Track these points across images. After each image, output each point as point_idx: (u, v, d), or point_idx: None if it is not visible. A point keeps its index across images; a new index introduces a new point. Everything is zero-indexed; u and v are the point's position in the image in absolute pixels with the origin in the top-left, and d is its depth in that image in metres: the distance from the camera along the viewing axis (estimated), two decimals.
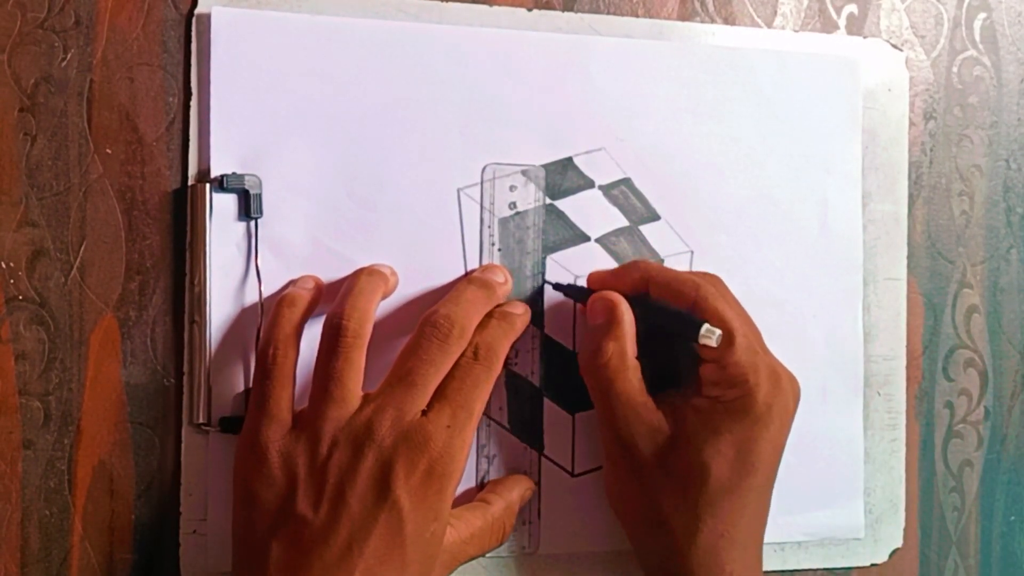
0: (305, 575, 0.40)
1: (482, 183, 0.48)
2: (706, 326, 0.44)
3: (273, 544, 0.41)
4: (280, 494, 0.41)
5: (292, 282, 0.46)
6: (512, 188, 0.48)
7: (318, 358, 0.43)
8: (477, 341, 0.44)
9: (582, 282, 0.49)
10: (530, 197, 0.48)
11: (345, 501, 0.40)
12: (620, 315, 0.46)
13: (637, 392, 0.45)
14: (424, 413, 0.42)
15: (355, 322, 0.42)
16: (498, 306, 0.46)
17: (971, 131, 0.56)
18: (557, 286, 0.49)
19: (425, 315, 0.44)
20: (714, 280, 0.48)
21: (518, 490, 0.48)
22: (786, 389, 0.45)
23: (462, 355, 0.43)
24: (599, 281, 0.49)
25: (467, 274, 0.48)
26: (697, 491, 0.44)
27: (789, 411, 0.46)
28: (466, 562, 0.45)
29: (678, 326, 0.45)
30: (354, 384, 0.42)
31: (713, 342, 0.44)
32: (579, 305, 0.49)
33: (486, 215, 0.48)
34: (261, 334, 0.44)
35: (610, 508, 0.48)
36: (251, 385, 0.44)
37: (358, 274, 0.45)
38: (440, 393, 0.43)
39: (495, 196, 0.48)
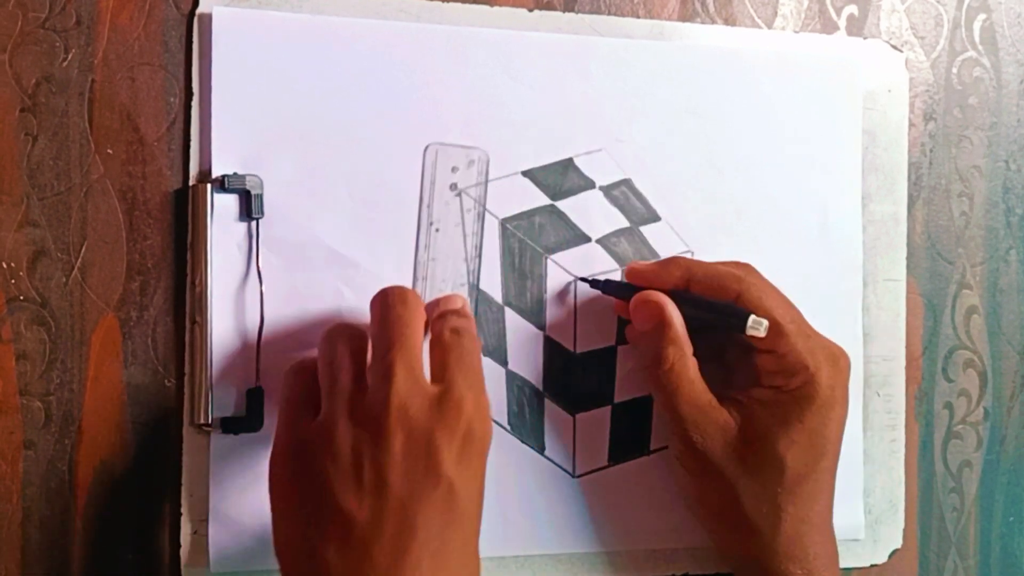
0: None
1: (424, 164, 0.47)
2: (753, 317, 0.44)
3: (322, 549, 0.38)
4: (328, 477, 0.39)
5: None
6: (454, 169, 0.47)
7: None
8: (448, 327, 0.43)
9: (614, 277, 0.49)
10: (472, 179, 0.47)
11: (388, 486, 0.38)
12: (670, 317, 0.45)
13: (701, 393, 0.45)
14: (435, 384, 0.41)
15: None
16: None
17: (971, 132, 0.56)
18: (594, 283, 0.48)
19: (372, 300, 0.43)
20: (749, 269, 0.47)
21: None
22: (843, 367, 0.46)
23: (440, 334, 0.42)
24: (639, 276, 0.47)
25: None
26: (775, 482, 0.45)
27: (847, 387, 0.46)
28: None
29: (723, 319, 0.45)
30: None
31: (761, 332, 0.44)
32: (616, 301, 0.48)
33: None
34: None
35: (612, 509, 0.49)
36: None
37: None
38: (442, 367, 0.42)
39: (436, 177, 0.47)
